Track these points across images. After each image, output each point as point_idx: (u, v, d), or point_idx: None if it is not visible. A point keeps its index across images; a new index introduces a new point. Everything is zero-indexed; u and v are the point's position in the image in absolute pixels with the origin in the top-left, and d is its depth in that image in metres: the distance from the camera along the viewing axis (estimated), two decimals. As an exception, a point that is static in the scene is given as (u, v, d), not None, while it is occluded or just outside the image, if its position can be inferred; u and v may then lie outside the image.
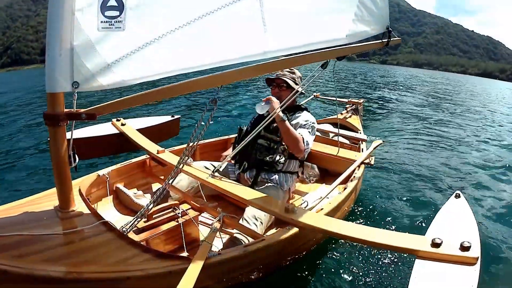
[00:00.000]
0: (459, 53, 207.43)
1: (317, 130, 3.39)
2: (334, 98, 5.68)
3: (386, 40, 2.12)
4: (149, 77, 1.67)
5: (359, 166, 3.05)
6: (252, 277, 2.06)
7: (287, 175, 2.78)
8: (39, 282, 1.34)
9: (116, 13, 1.52)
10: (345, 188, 2.75)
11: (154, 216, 2.10)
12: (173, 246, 2.16)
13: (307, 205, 2.55)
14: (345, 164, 3.05)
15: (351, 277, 2.43)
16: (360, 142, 3.84)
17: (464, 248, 1.45)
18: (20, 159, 5.16)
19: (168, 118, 3.65)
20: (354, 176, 2.93)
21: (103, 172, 2.69)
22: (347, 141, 3.93)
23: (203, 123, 1.93)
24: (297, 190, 3.21)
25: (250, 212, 2.36)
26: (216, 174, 2.38)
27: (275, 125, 2.69)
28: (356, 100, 5.44)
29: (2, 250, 1.41)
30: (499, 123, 10.90)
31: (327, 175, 3.53)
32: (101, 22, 1.52)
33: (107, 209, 2.61)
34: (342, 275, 2.44)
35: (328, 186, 2.90)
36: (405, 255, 2.54)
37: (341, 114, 5.08)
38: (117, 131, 3.10)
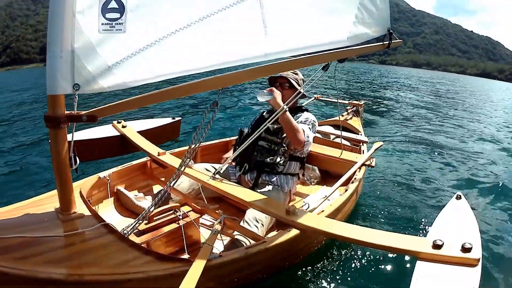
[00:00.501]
0: (458, 53, 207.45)
1: (318, 132, 3.39)
2: (335, 100, 5.68)
3: (388, 42, 2.13)
4: (150, 79, 1.68)
5: (360, 168, 3.04)
6: (253, 279, 2.05)
7: (287, 177, 2.78)
8: (40, 284, 1.34)
9: (116, 15, 1.53)
10: (346, 190, 2.75)
11: (155, 218, 2.10)
12: (174, 248, 2.16)
13: (308, 207, 2.54)
14: (346, 166, 3.05)
15: (352, 279, 2.42)
16: (361, 144, 3.83)
17: (465, 250, 1.45)
18: (21, 160, 5.16)
19: (169, 120, 3.65)
20: (355, 178, 2.92)
21: (104, 174, 2.69)
22: (348, 143, 3.92)
23: (204, 125, 1.93)
24: (298, 192, 3.21)
25: (251, 214, 2.36)
26: (217, 176, 2.38)
27: (275, 126, 2.69)
28: (356, 102, 5.44)
29: (3, 252, 1.41)
30: (500, 124, 10.90)
31: (328, 177, 3.53)
32: (102, 24, 1.53)
33: (108, 211, 2.61)
34: (344, 277, 2.44)
35: (329, 188, 2.90)
36: (406, 256, 2.54)
37: (342, 115, 5.08)
38: (118, 133, 3.10)
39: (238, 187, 2.29)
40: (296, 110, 2.87)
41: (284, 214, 1.90)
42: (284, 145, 2.69)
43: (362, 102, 5.50)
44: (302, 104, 3.05)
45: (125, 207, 2.69)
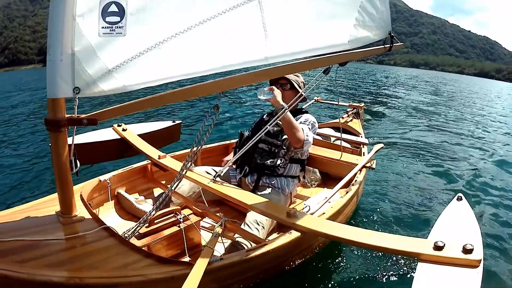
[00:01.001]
0: (456, 53, 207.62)
1: (318, 134, 3.39)
2: (335, 102, 5.68)
3: (389, 45, 2.13)
4: (151, 83, 1.68)
5: (360, 170, 3.04)
6: (254, 282, 2.05)
7: (288, 179, 2.78)
8: (41, 287, 1.34)
9: (117, 18, 1.53)
10: (347, 192, 2.74)
11: (155, 222, 2.09)
12: (175, 251, 2.16)
13: (309, 209, 2.54)
14: (347, 168, 3.05)
15: (354, 281, 2.42)
16: (362, 146, 3.83)
17: (467, 251, 1.45)
18: (21, 164, 5.16)
19: (169, 123, 3.66)
20: (356, 180, 2.92)
21: (104, 177, 2.69)
22: (348, 145, 3.92)
23: (205, 129, 1.93)
24: (299, 194, 3.21)
25: (251, 216, 2.36)
26: (218, 179, 2.38)
27: (276, 129, 2.69)
28: (357, 104, 5.44)
29: (4, 256, 1.41)
30: (500, 124, 10.89)
31: (328, 179, 3.53)
32: (102, 27, 1.53)
33: (109, 215, 2.61)
34: (345, 279, 2.44)
35: (329, 190, 2.89)
36: (408, 258, 2.53)
37: (342, 118, 5.08)
38: (118, 137, 3.10)
39: (238, 190, 2.29)
40: (296, 112, 2.87)
41: (285, 217, 1.90)
42: (284, 147, 2.69)
43: (362, 104, 5.51)
44: (302, 107, 3.06)
45: (126, 210, 2.69)
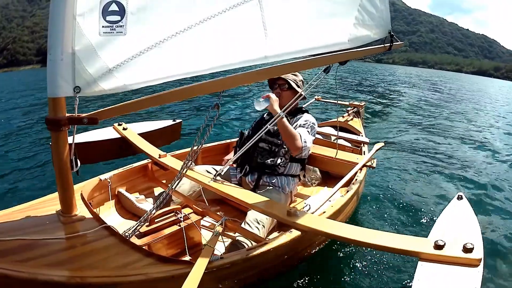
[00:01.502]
0: (454, 51, 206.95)
1: (318, 133, 3.39)
2: (335, 101, 5.68)
3: (389, 44, 2.13)
4: (151, 82, 1.68)
5: (361, 169, 3.04)
6: (255, 280, 2.05)
7: (288, 178, 2.78)
8: (42, 286, 1.34)
9: (117, 17, 1.53)
10: (347, 191, 2.75)
11: (156, 221, 2.10)
12: (175, 250, 2.16)
13: (309, 208, 2.55)
14: (347, 167, 3.05)
15: (354, 280, 2.42)
16: (362, 145, 3.83)
17: (467, 250, 1.45)
18: (22, 163, 5.16)
19: (169, 122, 3.66)
20: (356, 179, 2.92)
21: (105, 176, 2.69)
22: (349, 144, 3.92)
23: (206, 127, 1.93)
24: (299, 193, 3.21)
25: (252, 215, 2.36)
26: (218, 178, 2.38)
27: (276, 128, 2.69)
28: (357, 103, 5.44)
29: (5, 255, 1.41)
30: (501, 123, 10.88)
31: (329, 178, 3.53)
32: (103, 26, 1.53)
33: (109, 214, 2.61)
34: (345, 278, 2.44)
35: (330, 189, 2.90)
36: (408, 257, 2.53)
37: (343, 117, 5.08)
38: (118, 136, 3.10)
39: (239, 189, 2.29)
40: (296, 111, 2.87)
41: (285, 216, 1.90)
42: (284, 146, 2.68)
43: (363, 103, 5.51)
44: (303, 106, 3.05)
45: (126, 210, 2.70)
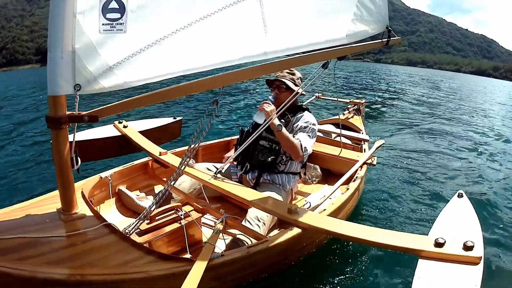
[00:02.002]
0: (453, 51, 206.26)
1: (319, 131, 3.39)
2: (336, 99, 5.68)
3: (386, 39, 2.13)
4: (151, 79, 1.68)
5: (361, 167, 3.04)
6: (255, 278, 2.06)
7: (289, 176, 2.78)
8: (42, 284, 1.34)
9: (117, 15, 1.53)
10: (347, 189, 2.75)
11: (156, 218, 2.10)
12: (176, 248, 2.16)
13: (310, 205, 2.54)
14: (348, 165, 3.05)
15: (354, 277, 2.43)
16: (362, 142, 3.83)
17: (467, 248, 1.45)
18: (22, 161, 5.16)
19: (170, 120, 3.66)
20: (357, 177, 2.92)
21: (105, 174, 2.69)
22: (349, 142, 3.92)
23: (205, 124, 1.93)
24: (300, 190, 3.21)
25: (252, 213, 2.36)
26: (219, 175, 2.38)
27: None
28: (357, 100, 5.44)
29: (5, 253, 1.41)
30: (502, 122, 10.87)
31: (329, 175, 3.53)
32: (103, 24, 1.53)
33: (110, 211, 2.62)
34: (346, 275, 2.44)
35: (330, 186, 2.90)
36: (408, 255, 2.53)
37: (343, 114, 5.08)
38: (119, 133, 3.10)
39: (239, 186, 2.29)
40: (296, 109, 2.86)
41: (286, 213, 1.90)
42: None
43: (363, 100, 5.51)
44: (303, 103, 3.04)
45: (127, 207, 2.70)
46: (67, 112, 1.63)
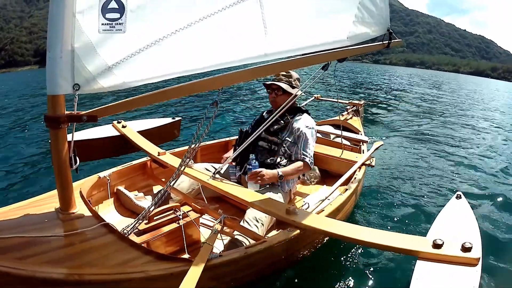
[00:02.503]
0: (452, 52, 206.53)
1: (318, 132, 3.39)
2: (335, 100, 5.69)
3: (387, 41, 2.13)
4: (150, 79, 1.68)
5: (360, 168, 3.05)
6: (253, 278, 2.05)
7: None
8: (41, 284, 1.34)
9: (116, 15, 1.53)
10: (346, 190, 2.75)
11: (155, 218, 2.10)
12: (174, 248, 2.16)
13: (308, 206, 2.55)
14: (346, 166, 3.05)
15: (352, 278, 2.43)
16: (361, 144, 3.84)
17: (466, 249, 1.45)
18: (21, 160, 5.15)
19: (169, 120, 3.66)
20: (355, 178, 2.93)
21: (104, 174, 2.69)
22: (348, 143, 3.92)
23: (204, 125, 1.93)
24: (298, 191, 3.21)
25: (251, 213, 2.36)
26: (217, 176, 2.38)
27: (276, 127, 2.69)
28: (356, 102, 5.44)
29: (4, 252, 1.41)
30: (501, 123, 10.88)
31: (328, 176, 3.53)
32: (102, 24, 1.53)
33: (108, 211, 2.61)
34: (344, 276, 2.44)
35: (329, 187, 2.90)
36: (406, 256, 2.54)
37: (342, 115, 5.08)
38: (118, 133, 3.10)
39: (238, 187, 2.29)
40: (295, 110, 2.86)
41: (284, 214, 1.90)
42: (284, 145, 2.69)
43: (362, 102, 5.51)
44: (302, 104, 3.05)
45: (125, 207, 2.70)
46: (66, 112, 1.63)
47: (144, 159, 3.08)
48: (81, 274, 1.43)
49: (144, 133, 3.15)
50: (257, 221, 2.33)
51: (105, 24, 1.53)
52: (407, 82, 28.07)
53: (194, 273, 1.54)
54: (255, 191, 2.40)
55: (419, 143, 6.84)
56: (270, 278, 2.18)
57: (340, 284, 2.38)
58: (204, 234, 2.31)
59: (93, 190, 2.57)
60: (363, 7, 1.98)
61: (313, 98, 5.50)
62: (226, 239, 2.22)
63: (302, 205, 2.57)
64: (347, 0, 1.99)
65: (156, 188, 3.07)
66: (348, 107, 5.43)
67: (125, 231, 1.90)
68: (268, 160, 2.67)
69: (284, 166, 2.71)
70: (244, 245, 2.11)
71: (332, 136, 4.09)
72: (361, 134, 4.29)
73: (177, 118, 3.71)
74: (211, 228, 2.05)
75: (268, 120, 2.33)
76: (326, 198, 2.54)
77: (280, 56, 1.87)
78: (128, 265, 1.55)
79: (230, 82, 1.90)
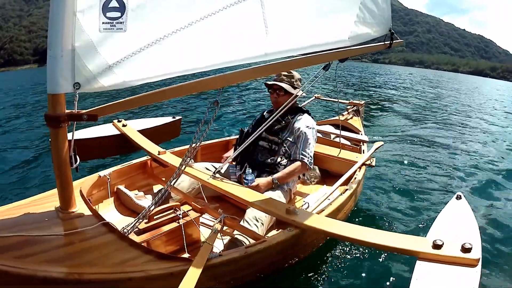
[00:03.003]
0: (451, 51, 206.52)
1: (318, 132, 3.39)
2: (335, 99, 5.68)
3: (389, 42, 2.13)
4: (151, 78, 1.68)
5: (360, 168, 3.05)
6: (253, 278, 2.05)
7: (288, 176, 2.78)
8: (41, 283, 1.34)
9: (117, 14, 1.53)
10: (346, 190, 2.75)
11: (155, 217, 2.10)
12: (174, 247, 2.16)
13: (308, 206, 2.55)
14: (346, 165, 3.05)
15: (352, 278, 2.43)
16: (361, 144, 3.83)
17: (465, 250, 1.45)
18: (21, 159, 5.15)
19: (169, 119, 3.66)
20: (355, 178, 2.92)
21: (104, 173, 2.69)
22: (348, 142, 3.92)
23: (205, 124, 1.93)
24: (298, 191, 3.21)
25: (251, 213, 2.36)
26: (217, 175, 2.38)
27: (276, 127, 2.69)
28: (357, 101, 5.44)
29: (4, 251, 1.41)
30: (499, 123, 10.87)
31: (328, 176, 3.53)
32: (103, 23, 1.53)
33: (108, 210, 2.61)
34: (343, 276, 2.44)
35: (329, 187, 2.90)
36: (406, 256, 2.54)
37: (342, 115, 5.08)
38: (118, 132, 3.10)
39: (238, 187, 2.29)
40: (295, 111, 2.86)
41: (284, 214, 1.90)
42: (284, 145, 2.69)
43: (363, 101, 5.50)
44: (303, 104, 3.05)
45: (125, 206, 2.70)
46: (66, 111, 1.63)
47: (144, 158, 3.08)
48: (81, 273, 1.43)
49: (144, 132, 3.14)
50: (257, 220, 2.33)
51: (105, 23, 1.53)
52: (407, 82, 28.03)
53: (194, 272, 1.54)
54: None
55: (419, 143, 6.83)
56: (270, 278, 2.17)
57: (340, 284, 2.38)
58: (204, 233, 2.31)
59: (93, 189, 2.57)
60: (364, 7, 1.98)
61: (313, 97, 5.50)
62: (226, 238, 2.22)
63: (302, 205, 2.57)
64: (349, 0, 1.98)
65: (156, 187, 3.07)
66: (349, 107, 5.43)
67: (125, 230, 1.90)
68: (269, 160, 2.67)
69: (285, 166, 2.71)
70: (244, 244, 2.11)
71: (332, 136, 4.09)
72: (361, 134, 4.28)
73: (177, 117, 3.71)
74: (211, 228, 2.05)
75: (268, 120, 2.33)
76: (326, 198, 2.54)
77: (281, 56, 1.87)
78: (128, 264, 1.55)
79: (231, 82, 1.90)
